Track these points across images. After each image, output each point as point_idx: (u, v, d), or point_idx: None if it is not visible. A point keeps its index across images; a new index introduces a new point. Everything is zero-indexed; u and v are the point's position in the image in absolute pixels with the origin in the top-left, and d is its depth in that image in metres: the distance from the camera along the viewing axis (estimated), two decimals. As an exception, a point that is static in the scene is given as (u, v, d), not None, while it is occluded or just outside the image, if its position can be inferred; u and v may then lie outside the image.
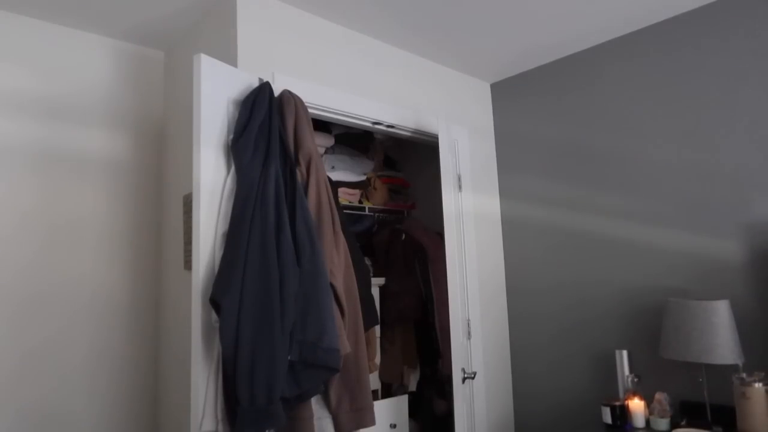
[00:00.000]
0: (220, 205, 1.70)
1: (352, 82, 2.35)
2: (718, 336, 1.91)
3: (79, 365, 2.16)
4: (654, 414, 2.07)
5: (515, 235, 2.95)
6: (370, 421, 1.78)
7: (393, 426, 2.58)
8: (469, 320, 2.66)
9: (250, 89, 1.82)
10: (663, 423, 2.03)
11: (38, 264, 2.11)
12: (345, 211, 2.98)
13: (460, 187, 2.75)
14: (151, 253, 2.43)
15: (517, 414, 2.87)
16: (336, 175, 2.97)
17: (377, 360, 2.85)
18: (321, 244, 1.73)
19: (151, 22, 2.27)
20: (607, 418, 2.14)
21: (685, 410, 2.17)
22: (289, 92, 1.90)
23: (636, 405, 2.11)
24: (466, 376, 2.44)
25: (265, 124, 1.76)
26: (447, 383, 2.98)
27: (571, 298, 2.66)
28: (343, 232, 1.89)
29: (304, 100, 1.95)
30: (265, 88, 1.81)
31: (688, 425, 2.01)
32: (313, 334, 1.57)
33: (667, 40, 2.39)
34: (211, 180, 1.70)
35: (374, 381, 2.88)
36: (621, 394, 2.23)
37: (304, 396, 1.63)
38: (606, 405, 2.16)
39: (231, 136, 1.75)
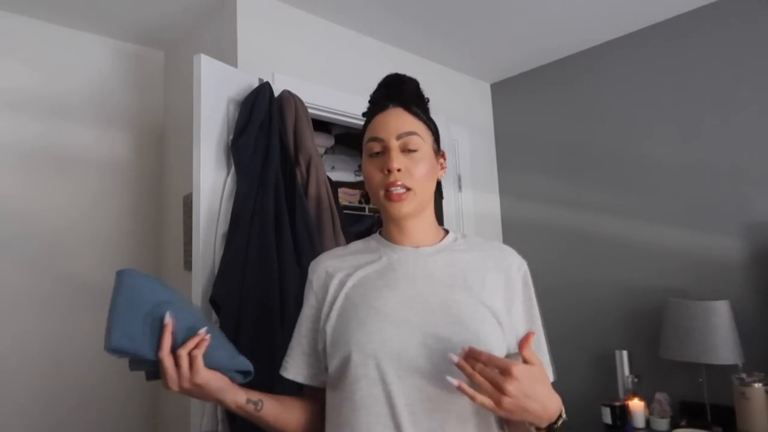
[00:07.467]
0: (220, 205, 1.70)
1: (352, 82, 2.35)
2: (718, 336, 1.91)
3: (79, 364, 2.16)
4: (654, 414, 2.07)
5: (515, 235, 2.94)
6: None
7: (393, 426, 2.58)
8: (469, 320, 2.65)
9: (250, 89, 1.82)
10: (663, 423, 2.04)
11: (37, 263, 2.11)
12: (345, 211, 2.97)
13: (460, 187, 2.75)
14: (151, 253, 2.42)
15: (517, 414, 2.87)
16: (336, 175, 2.96)
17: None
18: (321, 244, 1.73)
19: (151, 22, 2.27)
20: (607, 418, 2.14)
21: (685, 410, 2.17)
22: (289, 92, 1.90)
23: (636, 405, 2.11)
24: (466, 376, 2.43)
25: (265, 124, 1.76)
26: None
27: (571, 298, 2.66)
28: (343, 232, 1.88)
29: (304, 100, 1.94)
30: (265, 88, 1.80)
31: (688, 425, 2.01)
32: (312, 334, 1.57)
33: (666, 40, 2.39)
34: (211, 180, 1.69)
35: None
36: (621, 395, 2.23)
37: (304, 396, 1.63)
38: (606, 405, 2.16)
39: (231, 136, 1.75)
